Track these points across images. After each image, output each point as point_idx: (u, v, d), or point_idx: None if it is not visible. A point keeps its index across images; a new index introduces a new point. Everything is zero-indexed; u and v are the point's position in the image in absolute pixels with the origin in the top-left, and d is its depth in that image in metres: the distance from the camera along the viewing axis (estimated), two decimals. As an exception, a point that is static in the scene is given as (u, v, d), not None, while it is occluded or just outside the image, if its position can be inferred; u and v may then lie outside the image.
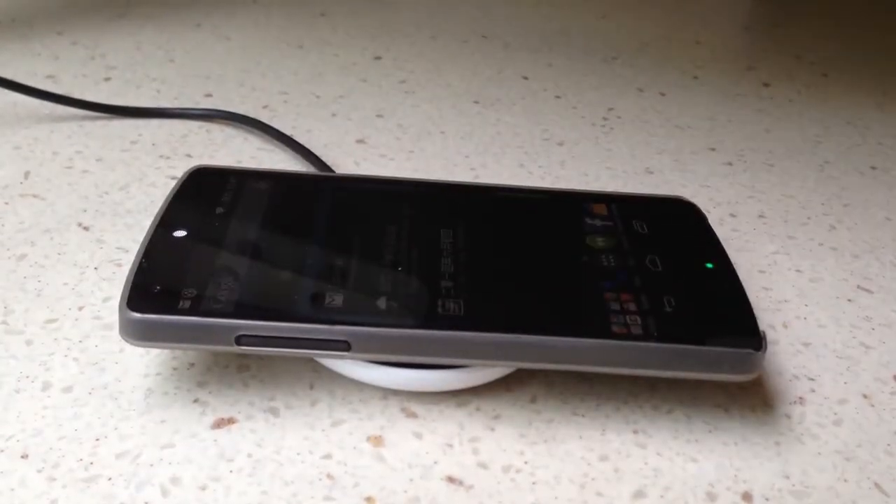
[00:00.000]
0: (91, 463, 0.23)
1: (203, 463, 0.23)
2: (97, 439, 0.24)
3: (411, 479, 0.23)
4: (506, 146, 0.41)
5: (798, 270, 0.33)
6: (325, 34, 0.55)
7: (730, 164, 0.41)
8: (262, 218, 0.28)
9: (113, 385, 0.26)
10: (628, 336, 0.24)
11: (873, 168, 0.42)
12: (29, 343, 0.27)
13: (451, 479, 0.23)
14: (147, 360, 0.27)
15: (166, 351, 0.27)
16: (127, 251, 0.32)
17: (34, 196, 0.35)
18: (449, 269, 0.26)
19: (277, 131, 0.40)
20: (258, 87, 0.46)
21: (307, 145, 0.39)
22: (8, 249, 0.31)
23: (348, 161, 0.39)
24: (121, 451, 0.24)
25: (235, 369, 0.27)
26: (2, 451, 0.23)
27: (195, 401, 0.25)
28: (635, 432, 0.25)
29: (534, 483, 0.23)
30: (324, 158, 0.38)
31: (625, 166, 0.40)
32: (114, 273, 0.31)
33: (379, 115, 0.44)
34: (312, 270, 0.26)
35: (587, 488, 0.23)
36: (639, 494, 0.23)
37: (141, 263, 0.25)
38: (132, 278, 0.24)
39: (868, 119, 0.47)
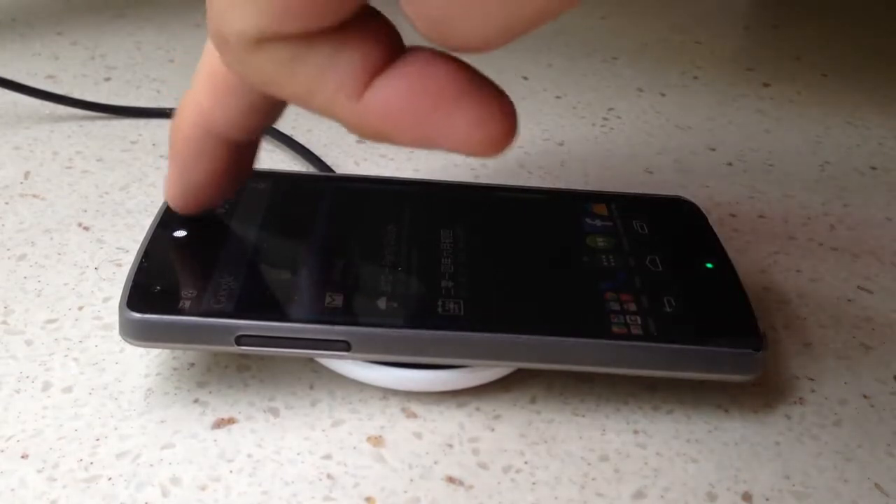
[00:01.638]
0: (91, 463, 0.23)
1: (203, 463, 0.23)
2: (97, 439, 0.24)
3: (411, 480, 0.23)
4: (506, 146, 0.41)
5: (798, 270, 0.33)
6: (325, 34, 0.54)
7: (730, 164, 0.41)
8: (261, 218, 0.28)
9: (113, 385, 0.26)
10: (628, 336, 0.24)
11: (873, 168, 0.42)
12: (29, 343, 0.27)
13: (451, 480, 0.23)
14: (147, 361, 0.27)
15: (166, 351, 0.27)
16: (127, 251, 0.32)
17: (34, 196, 0.35)
18: (449, 269, 0.26)
19: (277, 131, 0.40)
20: (258, 87, 0.46)
21: (307, 145, 0.39)
22: (8, 249, 0.31)
23: (348, 161, 0.39)
24: (121, 451, 0.24)
25: (235, 369, 0.27)
26: (2, 451, 0.23)
27: (195, 401, 0.25)
28: (635, 432, 0.25)
29: (534, 483, 0.23)
30: (324, 158, 0.38)
31: (625, 166, 0.40)
32: (114, 273, 0.31)
33: (379, 115, 0.44)
34: (312, 270, 0.26)
35: (587, 489, 0.23)
36: (639, 495, 0.23)
37: (141, 263, 0.25)
38: (132, 278, 0.24)
39: (868, 119, 0.47)
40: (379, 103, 0.17)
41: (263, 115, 0.22)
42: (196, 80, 0.22)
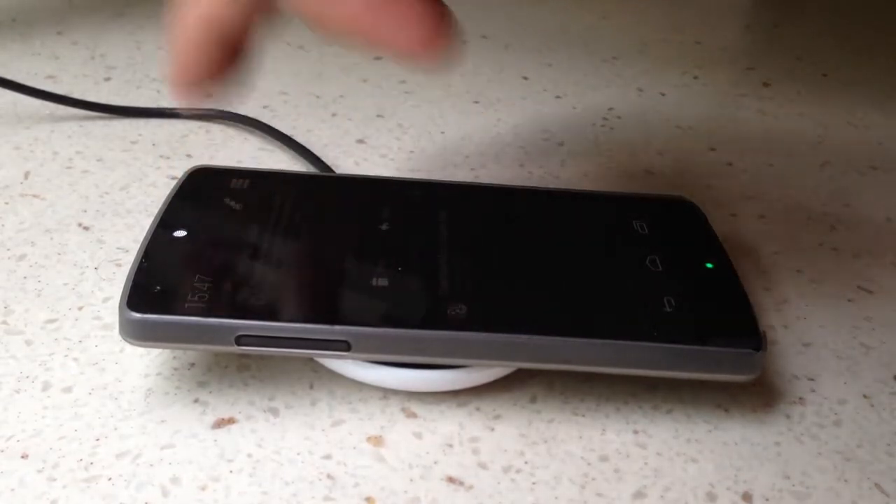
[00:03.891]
0: (91, 463, 0.23)
1: (203, 463, 0.23)
2: (97, 439, 0.24)
3: (411, 480, 0.23)
4: (506, 146, 0.41)
5: (798, 270, 0.33)
6: (325, 34, 0.54)
7: (730, 164, 0.41)
8: (261, 218, 0.28)
9: (113, 385, 0.26)
10: (628, 336, 0.24)
11: (873, 168, 0.42)
12: (29, 343, 0.27)
13: (451, 479, 0.23)
14: (147, 360, 0.27)
15: (166, 351, 0.27)
16: (127, 251, 0.32)
17: (34, 196, 0.35)
18: (449, 268, 0.26)
19: (277, 131, 0.40)
20: (258, 87, 0.46)
21: (307, 145, 0.39)
22: (8, 249, 0.31)
23: (348, 161, 0.39)
24: (121, 451, 0.24)
25: (235, 369, 0.27)
26: (2, 451, 0.23)
27: (195, 401, 0.25)
28: (635, 432, 0.25)
29: (534, 483, 0.23)
30: (324, 158, 0.38)
31: (625, 166, 0.40)
32: (114, 273, 0.31)
33: (379, 115, 0.44)
34: (312, 270, 0.26)
35: (587, 488, 0.23)
36: (639, 495, 0.23)
37: (141, 263, 0.25)
38: (132, 278, 0.24)
39: (868, 119, 0.47)
40: None
41: None
42: None
